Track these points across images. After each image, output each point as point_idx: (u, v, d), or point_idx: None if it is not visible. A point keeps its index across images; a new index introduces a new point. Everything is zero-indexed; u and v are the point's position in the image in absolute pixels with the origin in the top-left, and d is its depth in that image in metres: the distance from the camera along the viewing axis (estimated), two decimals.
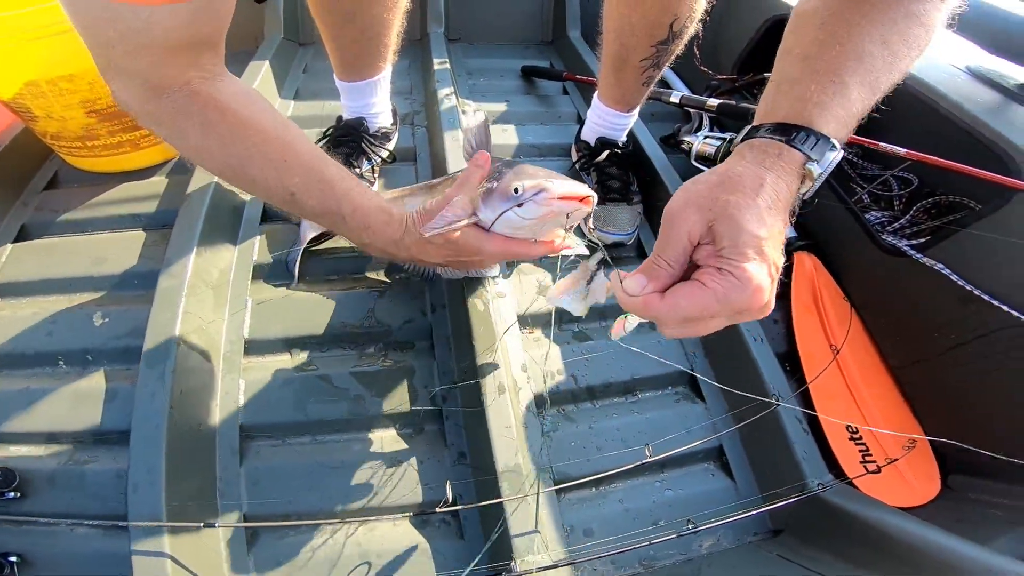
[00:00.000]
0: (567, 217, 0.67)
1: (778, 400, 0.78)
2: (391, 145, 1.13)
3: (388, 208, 0.71)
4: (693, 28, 0.88)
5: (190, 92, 0.58)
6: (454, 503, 0.74)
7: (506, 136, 1.27)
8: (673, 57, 0.93)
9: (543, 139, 1.27)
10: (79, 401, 0.78)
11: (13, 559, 0.65)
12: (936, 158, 0.86)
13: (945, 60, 0.97)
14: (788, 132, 0.44)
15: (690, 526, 0.64)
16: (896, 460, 0.80)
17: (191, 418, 0.74)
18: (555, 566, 0.63)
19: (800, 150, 0.44)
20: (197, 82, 0.58)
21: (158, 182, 1.09)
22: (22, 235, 0.98)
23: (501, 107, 1.37)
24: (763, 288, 0.41)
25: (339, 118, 1.10)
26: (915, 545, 0.63)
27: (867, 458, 0.82)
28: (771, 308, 0.44)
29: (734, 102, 1.11)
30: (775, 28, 1.23)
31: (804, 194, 0.46)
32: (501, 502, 0.68)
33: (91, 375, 0.82)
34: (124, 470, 0.71)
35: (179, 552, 0.63)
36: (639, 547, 0.67)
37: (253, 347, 0.86)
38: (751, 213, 0.41)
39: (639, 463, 0.77)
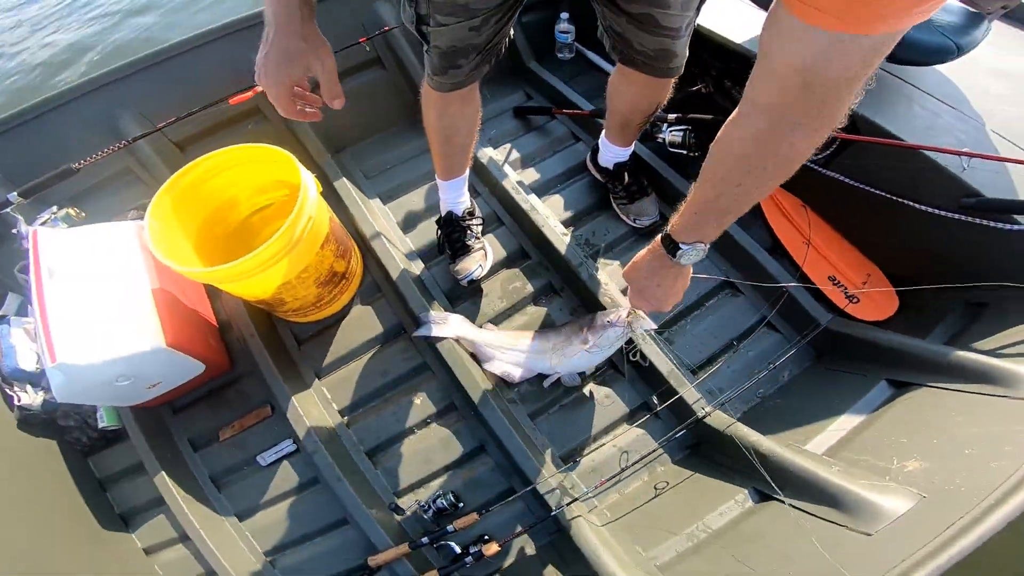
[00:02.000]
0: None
1: (787, 292, 1.44)
2: (478, 214, 1.67)
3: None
4: (669, 95, 1.44)
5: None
6: (650, 408, 1.40)
7: (538, 174, 1.82)
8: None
9: (562, 166, 1.83)
10: (445, 445, 1.41)
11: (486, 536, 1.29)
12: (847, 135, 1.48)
13: None
14: (665, 240, 0.90)
15: (771, 368, 1.32)
16: (863, 288, 1.47)
17: (511, 419, 1.36)
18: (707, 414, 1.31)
19: (666, 251, 0.91)
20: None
21: (365, 311, 1.62)
22: (319, 376, 1.54)
23: (520, 151, 1.89)
24: (642, 304, 1.07)
25: (438, 219, 1.63)
26: (891, 347, 1.28)
27: (848, 293, 1.49)
28: (664, 310, 1.05)
29: (682, 115, 1.67)
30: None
31: (676, 263, 0.91)
32: (678, 395, 1.34)
33: (436, 428, 1.43)
34: (495, 465, 1.35)
35: (555, 484, 1.28)
36: (753, 385, 1.35)
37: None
38: (637, 277, 1.02)
39: (731, 343, 1.47)
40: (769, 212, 1.65)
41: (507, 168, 1.81)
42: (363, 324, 1.59)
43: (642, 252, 0.99)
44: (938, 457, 0.94)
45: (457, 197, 1.60)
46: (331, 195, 1.76)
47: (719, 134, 0.74)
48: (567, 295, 1.59)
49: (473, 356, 1.48)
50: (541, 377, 1.46)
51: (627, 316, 1.31)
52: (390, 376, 1.50)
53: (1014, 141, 1.35)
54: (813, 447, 1.16)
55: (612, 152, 1.64)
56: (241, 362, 1.58)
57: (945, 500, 0.85)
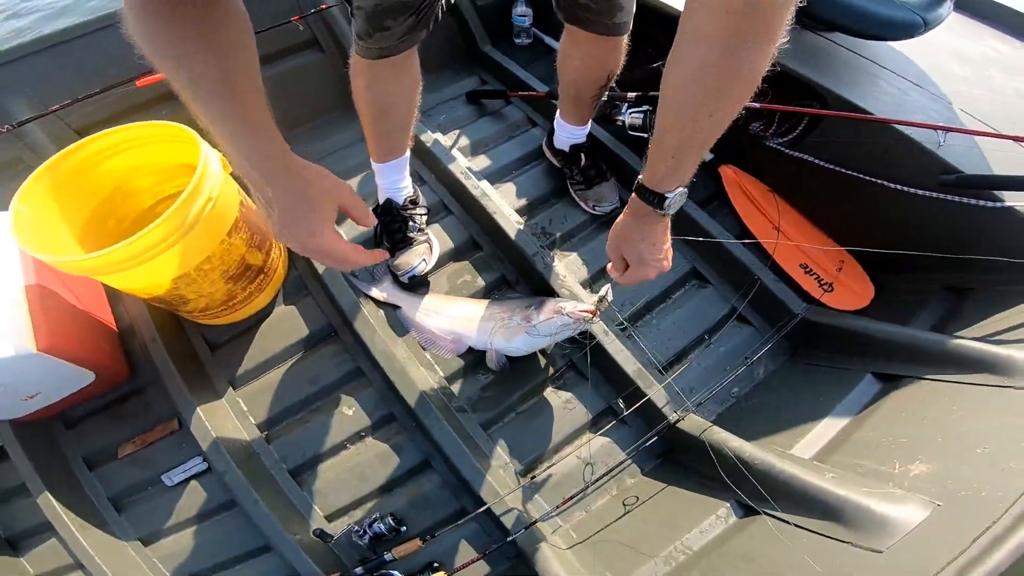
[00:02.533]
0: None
1: (759, 279, 1.33)
2: (422, 202, 1.49)
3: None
4: (619, 70, 1.32)
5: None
6: (615, 414, 1.26)
7: (491, 160, 1.66)
8: (609, 88, 1.37)
9: (518, 152, 1.68)
10: (383, 460, 1.22)
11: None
12: (777, 105, 1.38)
13: None
14: (647, 195, 0.82)
15: (747, 361, 1.19)
16: (838, 273, 1.37)
17: (460, 431, 1.19)
18: (674, 424, 1.17)
19: (652, 206, 0.82)
20: None
21: (289, 311, 1.41)
22: (236, 386, 1.31)
23: (471, 136, 1.73)
24: (648, 272, 0.90)
25: (375, 207, 1.44)
26: (868, 334, 1.18)
27: (822, 282, 1.40)
28: (667, 269, 0.92)
29: (640, 92, 1.55)
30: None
31: (663, 215, 0.84)
32: (646, 398, 1.20)
33: (373, 443, 1.24)
34: (442, 483, 1.17)
35: (513, 504, 1.11)
36: (724, 386, 1.23)
37: (450, 378, 1.30)
38: (631, 246, 0.90)
39: (703, 337, 1.34)
40: (736, 199, 1.54)
41: (456, 153, 1.64)
42: (287, 326, 1.38)
43: (621, 220, 0.90)
44: (946, 458, 0.82)
45: (397, 183, 1.42)
46: None
47: (669, 76, 0.72)
48: (522, 288, 1.43)
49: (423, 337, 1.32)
50: (480, 378, 1.30)
51: (582, 310, 1.16)
52: (319, 384, 1.30)
53: (984, 120, 1.29)
54: (800, 451, 1.03)
55: (567, 132, 1.50)
56: (143, 371, 1.34)
57: (965, 508, 0.72)
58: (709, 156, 1.61)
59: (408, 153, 1.40)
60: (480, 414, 1.26)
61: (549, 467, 1.21)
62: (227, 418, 1.25)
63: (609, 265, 0.98)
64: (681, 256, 1.49)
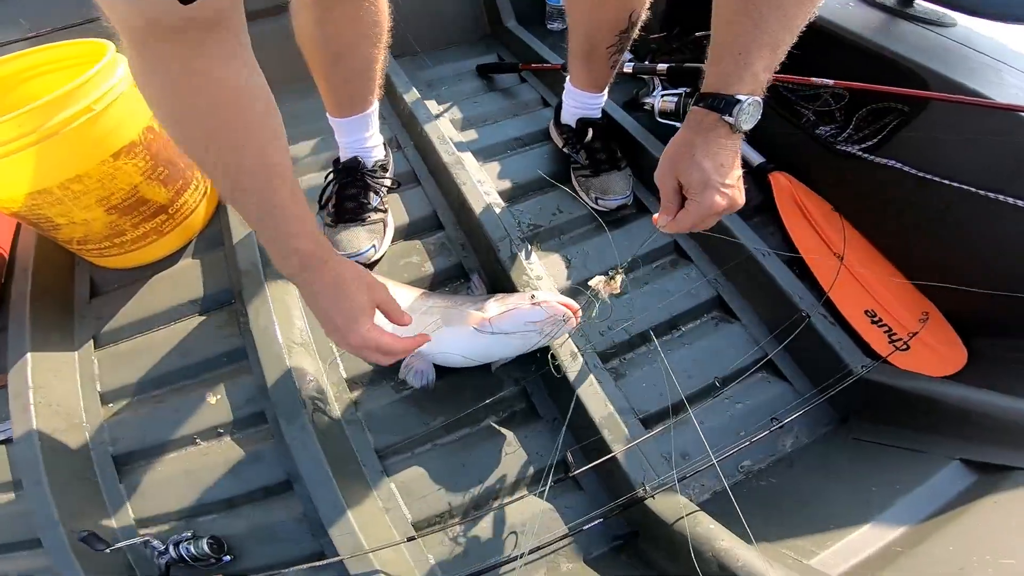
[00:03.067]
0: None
1: (807, 315, 0.94)
2: (391, 173, 1.22)
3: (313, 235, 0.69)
4: (645, 15, 1.01)
5: (187, 43, 0.51)
6: (567, 469, 0.88)
7: (489, 136, 1.37)
8: (631, 41, 1.05)
9: (521, 130, 1.38)
10: (235, 468, 0.89)
11: None
12: (857, 83, 1.02)
13: None
14: (710, 102, 0.66)
15: (774, 423, 0.79)
16: (917, 333, 0.96)
17: (337, 455, 0.85)
18: (661, 487, 0.78)
19: (719, 113, 0.66)
20: (198, 39, 0.51)
21: (192, 265, 1.14)
22: (100, 344, 1.04)
23: (473, 110, 1.46)
24: (716, 201, 0.68)
25: (336, 161, 1.17)
26: (963, 406, 0.79)
27: (893, 338, 0.98)
28: (740, 204, 0.70)
29: (676, 63, 1.24)
30: None
31: (735, 130, 0.67)
32: (612, 455, 0.82)
33: (230, 444, 0.92)
34: (301, 514, 0.82)
35: (389, 568, 0.75)
36: (731, 456, 0.83)
37: (354, 383, 0.97)
38: (692, 167, 0.69)
39: (704, 387, 0.95)
40: (787, 214, 1.16)
41: (444, 121, 1.37)
42: (184, 282, 1.10)
43: (677, 137, 0.72)
44: None
45: (360, 142, 1.15)
46: None
47: None
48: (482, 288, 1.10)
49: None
50: (393, 391, 0.96)
51: (560, 303, 0.85)
52: (191, 359, 1.00)
53: None
54: (828, 564, 0.63)
55: (576, 100, 1.19)
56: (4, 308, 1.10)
57: None
58: (759, 158, 1.25)
59: (375, 107, 1.13)
60: (379, 436, 0.92)
61: (457, 524, 0.85)
62: (67, 379, 0.97)
63: (654, 216, 0.76)
64: (702, 277, 1.12)
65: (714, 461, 0.76)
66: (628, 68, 1.27)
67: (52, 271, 1.11)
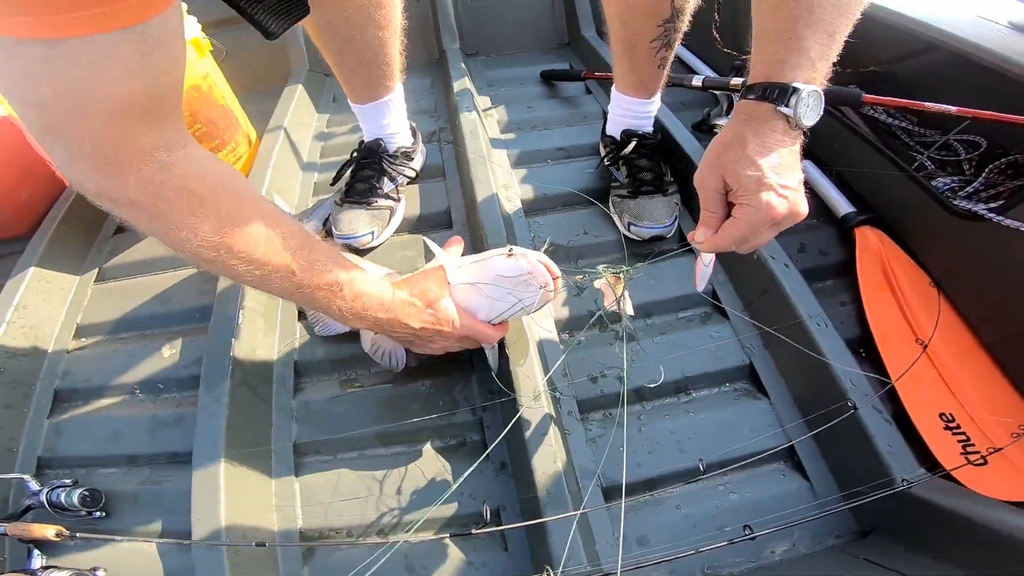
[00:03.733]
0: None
1: (855, 406, 0.70)
2: (416, 164, 1.16)
3: (378, 282, 0.71)
4: (694, 2, 0.85)
5: (164, 165, 0.49)
6: (493, 523, 0.73)
7: (532, 142, 1.26)
8: (681, 35, 0.89)
9: (571, 141, 1.25)
10: (155, 427, 0.84)
11: (100, 573, 0.69)
12: (992, 113, 0.77)
13: (980, 15, 0.90)
14: (762, 92, 0.56)
15: (746, 531, 0.58)
16: (1001, 449, 0.70)
17: (247, 437, 0.78)
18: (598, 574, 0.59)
19: (773, 103, 0.55)
20: (166, 153, 0.50)
21: None
22: (100, 278, 1.08)
23: (525, 115, 1.36)
24: (772, 205, 0.55)
25: (361, 142, 1.13)
26: None
27: (968, 449, 0.73)
28: (803, 213, 0.58)
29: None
30: None
31: (797, 123, 0.56)
32: (544, 518, 0.66)
33: (164, 403, 0.88)
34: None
35: (239, 570, 0.65)
36: (700, 553, 0.62)
37: (303, 369, 0.90)
38: (743, 163, 0.56)
39: (696, 467, 0.75)
40: (867, 280, 0.91)
41: (491, 121, 1.29)
42: None
43: (725, 130, 0.60)
44: None
45: (383, 128, 1.10)
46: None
47: None
48: None
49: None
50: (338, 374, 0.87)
51: (542, 262, 0.72)
52: (167, 307, 0.99)
53: None
54: None
55: (622, 107, 1.04)
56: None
57: None
58: (848, 207, 1.01)
59: (395, 94, 1.07)
60: (305, 429, 0.83)
61: (348, 546, 0.73)
62: (55, 305, 0.99)
63: (692, 232, 0.64)
64: (735, 337, 0.90)
65: (673, 557, 0.57)
66: (697, 81, 1.10)
67: (91, 205, 1.18)
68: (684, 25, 0.87)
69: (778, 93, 0.54)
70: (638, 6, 0.85)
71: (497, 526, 0.71)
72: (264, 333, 0.90)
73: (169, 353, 0.92)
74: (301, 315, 0.96)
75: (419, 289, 0.74)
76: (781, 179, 0.56)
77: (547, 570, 0.61)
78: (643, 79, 0.98)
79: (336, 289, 0.65)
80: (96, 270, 1.08)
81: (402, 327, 0.72)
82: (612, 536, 0.71)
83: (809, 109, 0.55)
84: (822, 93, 0.55)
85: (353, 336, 0.90)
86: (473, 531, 0.65)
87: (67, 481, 0.74)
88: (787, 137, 0.57)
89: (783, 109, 0.55)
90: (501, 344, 0.83)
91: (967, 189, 0.88)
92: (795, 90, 0.54)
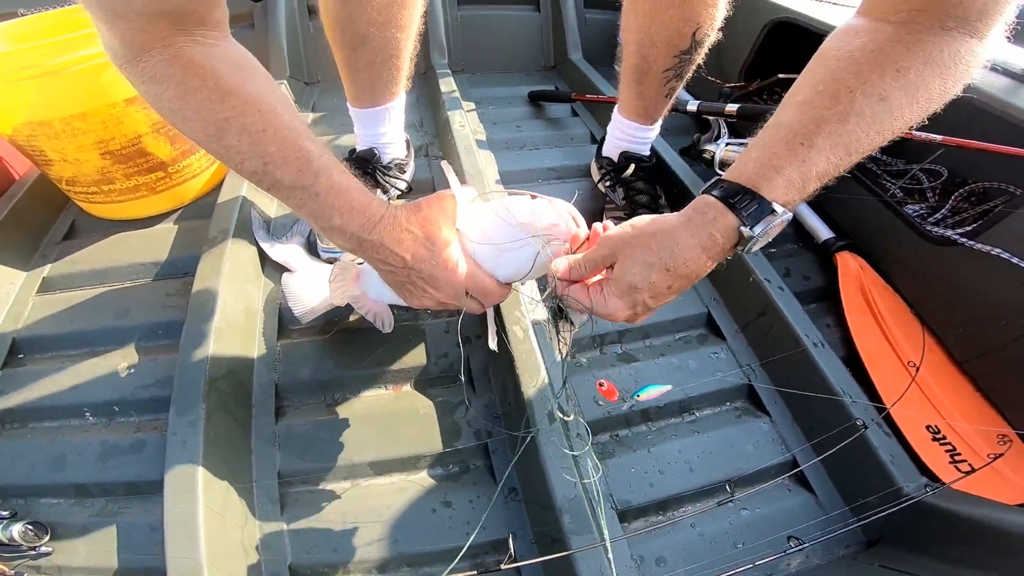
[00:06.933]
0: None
1: (864, 425, 0.72)
2: (407, 176, 1.12)
3: (367, 193, 0.62)
4: (713, 36, 0.88)
5: (170, 56, 0.52)
6: (516, 558, 0.68)
7: (522, 161, 1.25)
8: (694, 67, 0.92)
9: (559, 161, 1.26)
10: (108, 453, 0.74)
11: None
12: (977, 142, 0.83)
13: None
14: (737, 196, 0.49)
15: (791, 544, 0.56)
16: (1002, 455, 0.72)
17: (226, 467, 0.69)
18: None
19: (737, 213, 0.48)
20: (181, 46, 0.52)
21: (170, 229, 1.06)
22: (44, 288, 0.95)
23: (513, 134, 1.36)
24: (615, 315, 0.55)
25: (351, 151, 1.08)
26: None
27: (956, 459, 0.75)
28: (640, 319, 0.57)
29: (751, 104, 1.10)
30: (777, 31, 1.23)
31: (743, 250, 0.51)
32: (568, 551, 0.62)
33: (119, 426, 0.78)
34: (158, 522, 0.65)
35: None
36: (723, 571, 0.60)
37: (285, 390, 0.82)
38: (640, 268, 0.52)
39: (706, 485, 0.73)
40: (851, 306, 0.95)
41: (481, 139, 1.27)
42: (155, 244, 1.01)
43: (663, 220, 0.53)
44: None
45: (377, 137, 1.06)
46: None
47: (830, 45, 0.50)
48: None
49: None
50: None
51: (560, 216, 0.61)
52: (126, 320, 0.88)
53: None
54: None
55: (621, 131, 1.06)
56: None
57: None
58: (828, 233, 1.05)
59: (397, 103, 1.04)
60: (290, 457, 0.75)
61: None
62: None
63: (563, 266, 0.58)
64: (733, 358, 0.91)
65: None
66: (692, 107, 1.14)
67: (39, 205, 1.07)
68: (699, 58, 0.89)
69: (755, 209, 0.48)
70: (659, 35, 0.86)
71: (520, 558, 0.66)
72: (240, 349, 0.82)
73: (127, 373, 0.82)
74: (281, 331, 0.88)
75: (422, 216, 0.61)
76: (653, 301, 0.54)
77: None
78: (649, 107, 0.99)
79: (309, 195, 0.57)
80: (40, 279, 0.95)
81: (390, 254, 0.60)
82: (630, 559, 0.68)
83: (767, 238, 0.49)
84: (790, 216, 0.49)
85: (339, 354, 0.84)
86: (503, 567, 0.60)
87: (3, 513, 0.63)
88: (715, 258, 0.51)
89: (743, 229, 0.48)
90: (500, 330, 0.77)
91: (935, 216, 0.94)
92: (772, 212, 0.48)
